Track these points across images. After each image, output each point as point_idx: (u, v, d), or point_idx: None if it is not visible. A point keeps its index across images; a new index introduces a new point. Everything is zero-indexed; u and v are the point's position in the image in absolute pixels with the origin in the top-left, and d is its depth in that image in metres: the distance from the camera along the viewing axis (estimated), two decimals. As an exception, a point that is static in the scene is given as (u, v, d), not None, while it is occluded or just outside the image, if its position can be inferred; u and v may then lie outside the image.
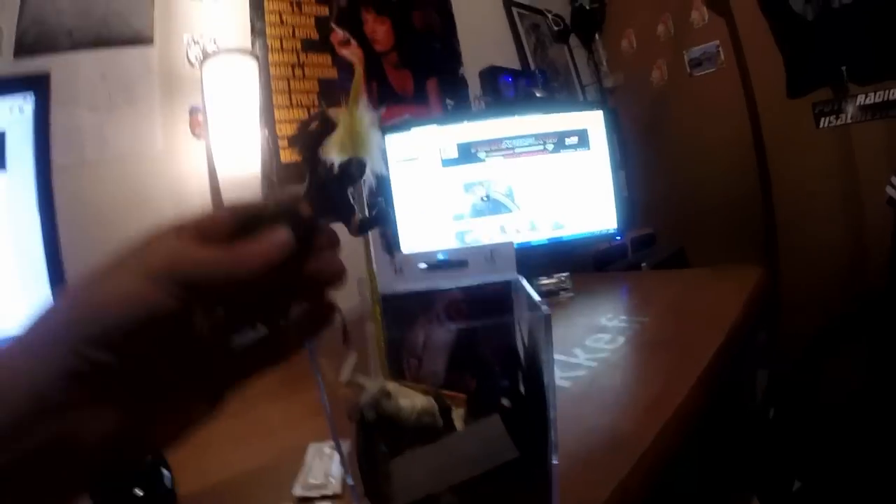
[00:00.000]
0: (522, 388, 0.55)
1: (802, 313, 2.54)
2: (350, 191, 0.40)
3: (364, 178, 0.41)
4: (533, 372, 0.50)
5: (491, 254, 0.57)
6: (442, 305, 0.58)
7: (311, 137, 0.43)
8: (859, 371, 2.23)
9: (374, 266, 0.54)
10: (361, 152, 0.42)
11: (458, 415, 0.50)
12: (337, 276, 0.38)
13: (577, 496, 0.51)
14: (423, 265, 0.57)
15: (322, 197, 0.38)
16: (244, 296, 0.34)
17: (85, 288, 0.31)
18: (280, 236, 0.35)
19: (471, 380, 0.56)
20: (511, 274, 0.57)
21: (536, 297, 0.47)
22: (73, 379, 0.28)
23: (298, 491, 0.63)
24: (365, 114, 0.43)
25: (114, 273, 0.31)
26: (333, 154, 0.41)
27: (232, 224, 0.37)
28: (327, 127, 0.42)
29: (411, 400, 0.48)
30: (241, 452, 0.73)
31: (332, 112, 0.42)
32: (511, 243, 0.57)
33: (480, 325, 0.56)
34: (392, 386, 0.48)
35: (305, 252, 0.36)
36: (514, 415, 0.50)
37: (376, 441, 0.48)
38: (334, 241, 0.39)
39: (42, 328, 0.30)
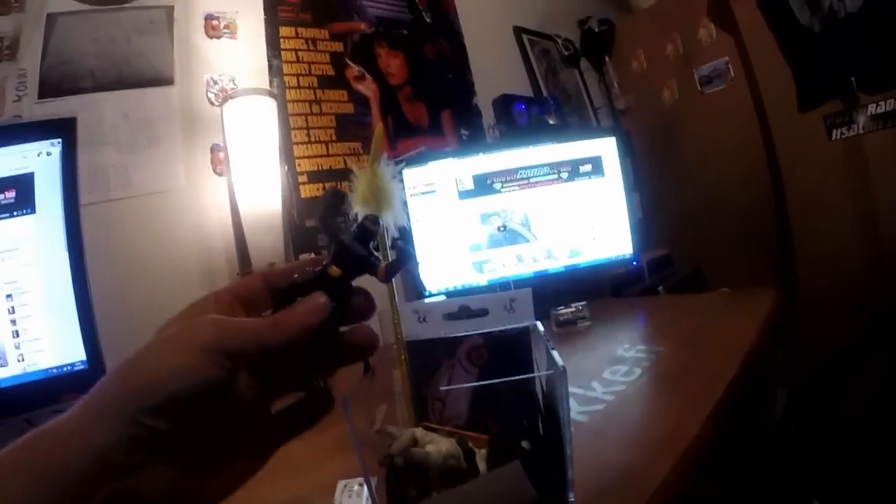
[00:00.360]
0: (541, 429, 0.57)
1: (821, 327, 2.52)
2: (372, 244, 0.42)
3: (384, 228, 0.44)
4: (551, 414, 0.52)
5: (510, 302, 0.59)
6: (464, 350, 0.60)
7: (327, 208, 0.46)
8: (880, 385, 2.21)
9: (399, 315, 0.57)
10: (384, 206, 0.45)
11: (480, 456, 0.52)
12: (371, 345, 0.40)
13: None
14: (445, 313, 0.60)
15: (347, 257, 0.41)
16: (285, 360, 0.37)
17: (138, 363, 0.34)
18: (316, 302, 0.38)
19: (492, 421, 0.58)
20: (529, 320, 0.59)
21: (555, 355, 0.49)
22: (132, 443, 0.31)
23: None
24: (385, 169, 0.46)
25: (164, 348, 0.34)
26: (358, 208, 0.44)
27: (265, 290, 0.40)
28: (340, 199, 0.45)
29: (437, 445, 0.50)
30: (272, 488, 0.75)
31: (355, 168, 0.45)
32: (529, 290, 0.59)
33: (500, 367, 0.58)
34: (419, 432, 0.51)
35: (341, 312, 0.39)
36: (534, 455, 0.52)
37: (405, 484, 0.50)
38: (370, 303, 0.42)
39: (100, 398, 0.33)
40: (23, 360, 1.01)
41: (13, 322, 1.01)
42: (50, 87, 1.35)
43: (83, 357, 1.06)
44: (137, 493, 0.31)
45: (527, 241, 1.58)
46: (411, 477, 0.50)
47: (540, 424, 0.58)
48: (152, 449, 0.32)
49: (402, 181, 0.47)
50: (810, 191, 2.58)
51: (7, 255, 1.03)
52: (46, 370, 1.03)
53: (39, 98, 1.34)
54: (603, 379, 0.97)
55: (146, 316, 0.97)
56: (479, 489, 0.50)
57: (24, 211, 1.07)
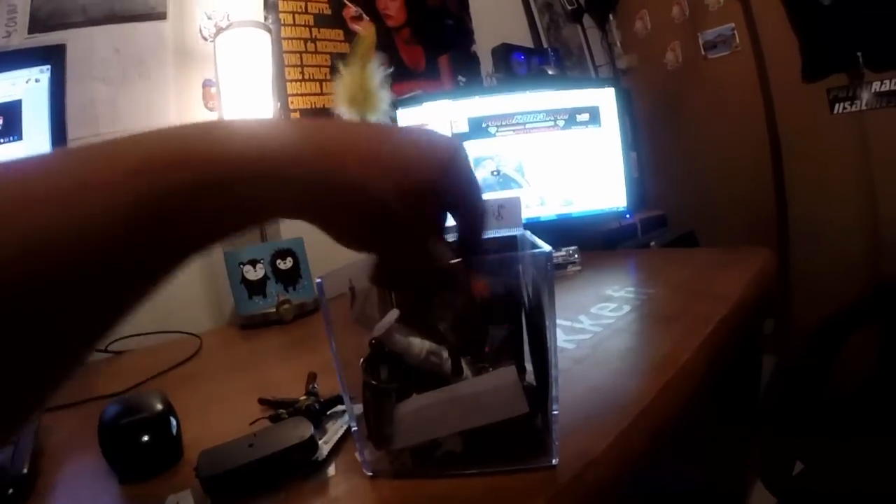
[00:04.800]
0: (526, 342, 0.56)
1: (814, 301, 2.54)
2: None
3: None
4: (536, 318, 0.51)
5: (499, 209, 0.58)
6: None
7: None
8: (870, 358, 2.23)
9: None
10: (371, 109, 0.43)
11: (467, 360, 0.51)
12: None
13: (576, 447, 0.51)
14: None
15: None
16: None
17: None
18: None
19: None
20: (518, 229, 0.58)
21: (540, 241, 0.48)
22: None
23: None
24: (375, 71, 0.44)
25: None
26: (343, 109, 0.43)
27: None
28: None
29: (421, 339, 0.49)
30: (246, 405, 0.75)
31: (341, 66, 0.44)
32: (518, 198, 0.58)
33: (486, 268, 0.56)
34: (402, 326, 0.49)
35: None
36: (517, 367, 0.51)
37: (384, 382, 0.49)
38: None
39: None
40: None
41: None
42: (40, 22, 1.33)
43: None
44: None
45: (520, 186, 1.56)
46: (391, 370, 0.48)
47: (525, 341, 0.56)
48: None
49: (389, 87, 0.45)
50: (809, 163, 2.58)
51: (-8, 182, 1.02)
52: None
53: (30, 33, 1.31)
54: (591, 313, 0.96)
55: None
56: (466, 393, 0.49)
57: (11, 138, 1.07)
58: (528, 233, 0.56)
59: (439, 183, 0.38)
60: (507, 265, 0.51)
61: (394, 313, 0.47)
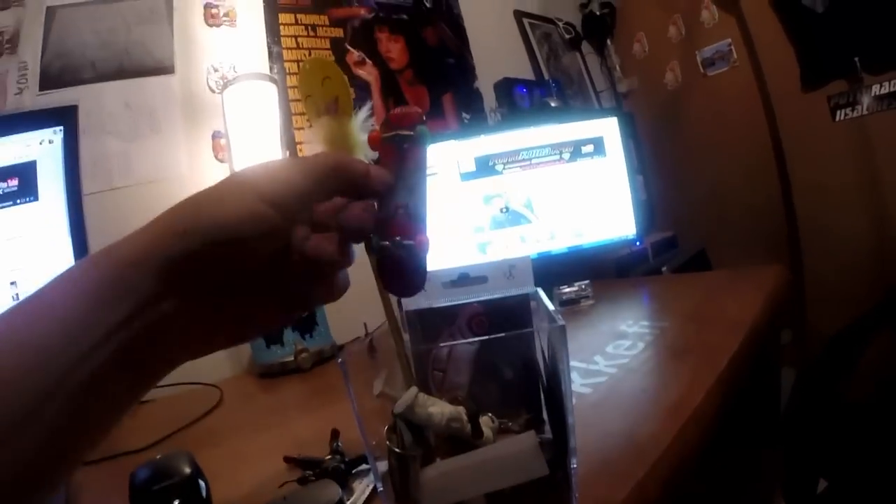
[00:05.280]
0: (543, 398, 0.57)
1: (828, 308, 2.52)
2: None
3: None
4: (552, 383, 0.52)
5: (509, 269, 0.59)
6: (464, 319, 0.60)
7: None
8: (888, 364, 2.21)
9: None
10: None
11: (485, 421, 0.52)
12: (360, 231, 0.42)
13: (595, 497, 0.53)
14: (445, 282, 0.60)
15: None
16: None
17: (208, 203, 0.37)
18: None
19: (494, 392, 0.58)
20: (529, 287, 0.59)
21: (552, 308, 0.49)
22: (194, 261, 0.34)
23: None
24: (362, 123, 0.46)
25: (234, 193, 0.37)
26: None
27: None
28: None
29: (440, 407, 0.50)
30: (274, 464, 0.76)
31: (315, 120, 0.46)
32: (528, 257, 0.59)
33: (501, 337, 0.58)
34: (422, 396, 0.51)
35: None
36: (535, 424, 0.53)
37: (408, 449, 0.50)
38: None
39: (171, 217, 0.36)
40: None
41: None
42: (51, 79, 1.36)
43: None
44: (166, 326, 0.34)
45: (529, 222, 1.57)
46: (415, 440, 0.50)
47: (542, 396, 0.58)
48: (205, 278, 0.35)
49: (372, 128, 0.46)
50: (815, 172, 2.58)
51: (11, 242, 1.04)
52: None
53: (41, 90, 1.35)
54: (606, 353, 0.97)
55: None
56: (488, 457, 0.50)
57: (28, 199, 1.08)
58: (540, 291, 0.58)
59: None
60: (523, 339, 0.52)
61: (413, 391, 0.49)
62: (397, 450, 0.50)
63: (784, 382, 1.94)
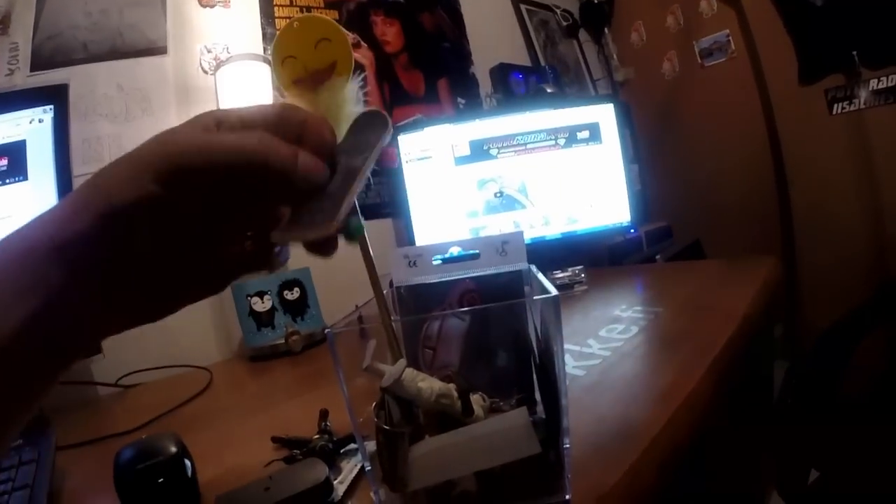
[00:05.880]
0: (536, 377, 0.56)
1: (822, 302, 2.53)
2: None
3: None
4: (545, 359, 0.51)
5: (502, 245, 0.58)
6: (455, 295, 0.59)
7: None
8: (880, 359, 2.22)
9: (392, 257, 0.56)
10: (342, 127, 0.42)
11: (476, 400, 0.51)
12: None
13: (588, 480, 0.52)
14: (437, 258, 0.59)
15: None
16: (233, 189, 0.36)
17: (106, 169, 0.35)
18: (265, 138, 0.36)
19: (485, 370, 0.57)
20: (522, 263, 0.58)
21: (547, 282, 0.48)
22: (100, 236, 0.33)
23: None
24: (355, 90, 0.43)
25: (123, 160, 0.35)
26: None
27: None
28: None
29: (430, 383, 0.49)
30: (261, 445, 0.75)
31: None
32: (521, 233, 0.58)
33: (493, 311, 0.56)
34: (410, 371, 0.49)
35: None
36: (527, 404, 0.51)
37: (396, 426, 0.49)
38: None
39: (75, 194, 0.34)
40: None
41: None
42: (42, 60, 1.34)
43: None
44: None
45: (523, 207, 1.56)
46: (403, 416, 0.49)
47: (534, 376, 0.57)
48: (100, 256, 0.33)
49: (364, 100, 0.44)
50: (810, 165, 2.58)
51: (1, 222, 1.03)
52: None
53: (32, 71, 1.32)
54: (599, 336, 0.96)
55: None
56: (478, 435, 0.49)
57: (17, 178, 1.07)
58: (533, 267, 0.57)
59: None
60: (515, 310, 0.51)
61: (402, 363, 0.48)
62: (385, 426, 0.49)
63: (776, 375, 1.95)
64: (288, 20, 1.70)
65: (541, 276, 0.51)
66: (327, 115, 0.40)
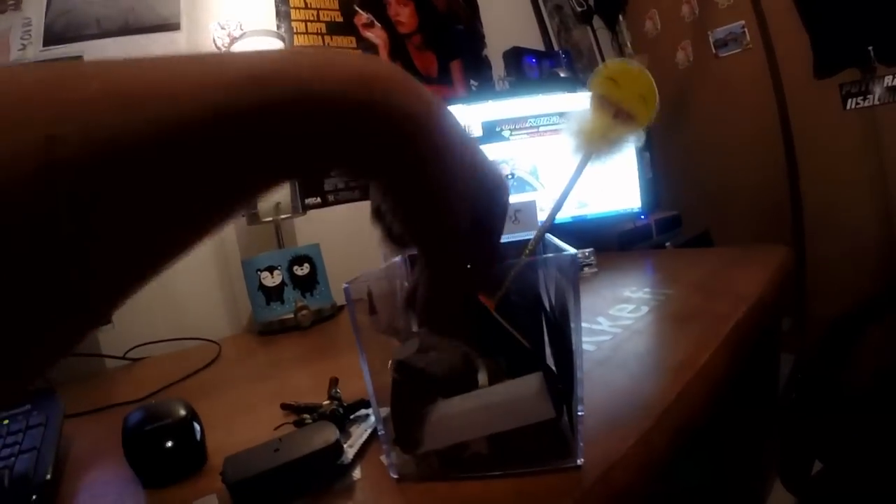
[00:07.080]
0: (548, 347, 0.56)
1: (830, 297, 2.51)
2: None
3: None
4: (560, 326, 0.51)
5: (514, 213, 0.58)
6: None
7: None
8: (886, 353, 2.21)
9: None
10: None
11: (488, 365, 0.51)
12: None
13: (600, 448, 0.52)
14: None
15: None
16: None
17: None
18: None
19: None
20: (534, 231, 0.58)
21: (563, 244, 0.48)
22: None
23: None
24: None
25: None
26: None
27: None
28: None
29: (443, 350, 0.49)
30: (269, 411, 0.75)
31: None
32: (534, 202, 0.58)
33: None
34: (424, 337, 0.49)
35: None
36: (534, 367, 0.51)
37: (410, 389, 0.49)
38: None
39: None
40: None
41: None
42: (55, 36, 1.34)
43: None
44: None
45: (534, 189, 1.56)
46: (417, 381, 0.49)
47: (546, 341, 0.57)
48: None
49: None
50: (823, 159, 2.56)
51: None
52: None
53: (44, 46, 1.32)
54: (609, 315, 0.96)
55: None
56: (493, 399, 0.49)
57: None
58: (547, 234, 0.57)
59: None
60: (531, 268, 0.51)
61: (414, 342, 0.48)
62: (400, 389, 0.49)
63: (782, 369, 1.94)
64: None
65: (556, 241, 0.51)
66: (594, 134, 0.47)
